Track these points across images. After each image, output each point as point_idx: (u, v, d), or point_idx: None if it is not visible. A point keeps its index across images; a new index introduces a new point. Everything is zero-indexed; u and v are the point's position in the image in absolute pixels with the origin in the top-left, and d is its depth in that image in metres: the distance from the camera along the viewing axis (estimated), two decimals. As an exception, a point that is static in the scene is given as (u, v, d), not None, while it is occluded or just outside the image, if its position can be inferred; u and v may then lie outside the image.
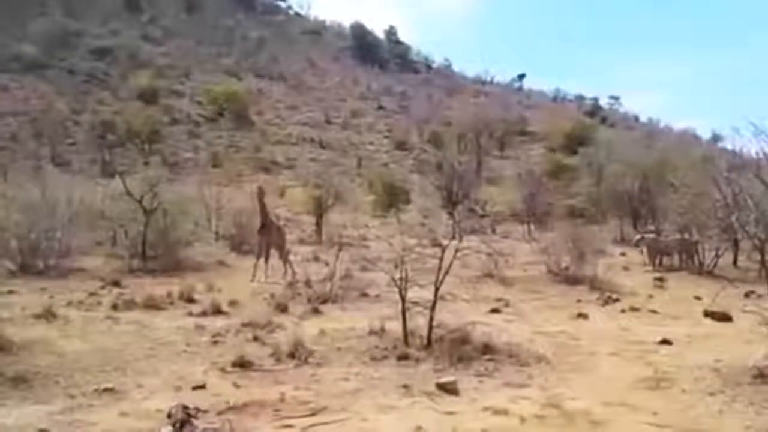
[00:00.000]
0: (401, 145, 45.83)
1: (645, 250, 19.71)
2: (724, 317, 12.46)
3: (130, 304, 12.42)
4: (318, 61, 61.52)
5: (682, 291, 15.66)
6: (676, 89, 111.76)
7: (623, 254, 21.48)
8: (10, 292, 13.42)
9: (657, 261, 19.28)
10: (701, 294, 14.71)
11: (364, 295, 13.82)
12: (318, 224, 24.31)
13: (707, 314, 12.73)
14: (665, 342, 10.57)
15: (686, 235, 19.53)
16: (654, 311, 13.29)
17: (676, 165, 25.20)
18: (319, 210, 24.60)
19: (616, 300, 14.21)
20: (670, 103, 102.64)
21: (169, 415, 6.32)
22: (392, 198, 29.46)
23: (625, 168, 26.80)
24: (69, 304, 12.39)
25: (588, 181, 31.45)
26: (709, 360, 9.39)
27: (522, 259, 18.97)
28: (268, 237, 16.34)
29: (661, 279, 16.93)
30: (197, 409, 6.74)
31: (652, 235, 20.19)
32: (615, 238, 24.48)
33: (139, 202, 17.41)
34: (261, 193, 16.83)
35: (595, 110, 62.53)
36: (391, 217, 28.56)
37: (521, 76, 73.42)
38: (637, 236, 20.54)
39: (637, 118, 66.82)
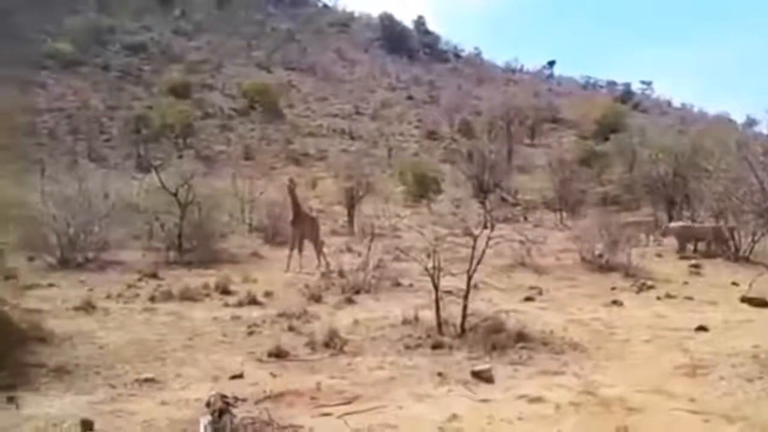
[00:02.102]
0: (431, 135, 45.75)
1: (675, 238, 19.43)
2: (762, 303, 12.29)
3: (167, 296, 12.59)
4: (347, 53, 61.57)
5: (718, 277, 15.49)
6: (710, 73, 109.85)
7: (657, 241, 21.26)
8: (51, 285, 13.66)
9: (692, 248, 19.07)
10: (738, 280, 14.54)
11: (397, 284, 13.87)
12: (350, 215, 24.40)
13: (744, 300, 12.57)
14: (702, 329, 10.47)
15: (718, 222, 19.30)
16: (690, 298, 13.14)
17: (710, 150, 24.82)
18: (351, 201, 24.67)
19: (651, 287, 14.09)
20: (704, 87, 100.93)
21: (208, 404, 6.41)
22: (423, 188, 29.48)
23: (658, 154, 26.46)
24: (108, 296, 12.58)
25: (621, 168, 31.16)
26: (746, 346, 9.29)
27: (555, 247, 18.90)
28: (302, 228, 16.46)
29: (696, 265, 16.72)
30: (235, 398, 6.83)
31: (681, 223, 19.92)
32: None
33: (174, 195, 17.61)
34: (292, 185, 16.97)
35: (626, 96, 61.70)
36: (422, 207, 28.55)
37: (551, 63, 72.79)
38: (665, 225, 20.17)
39: (669, 104, 65.94)
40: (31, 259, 15.93)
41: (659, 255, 18.75)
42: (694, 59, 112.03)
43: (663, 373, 8.35)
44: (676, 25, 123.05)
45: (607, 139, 38.11)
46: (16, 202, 12.41)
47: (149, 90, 44.87)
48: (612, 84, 67.98)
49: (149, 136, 36.65)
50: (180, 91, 43.42)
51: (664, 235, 19.60)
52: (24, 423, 6.68)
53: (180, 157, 31.13)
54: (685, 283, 14.79)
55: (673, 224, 19.94)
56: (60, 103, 40.21)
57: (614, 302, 12.66)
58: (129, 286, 13.59)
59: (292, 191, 16.82)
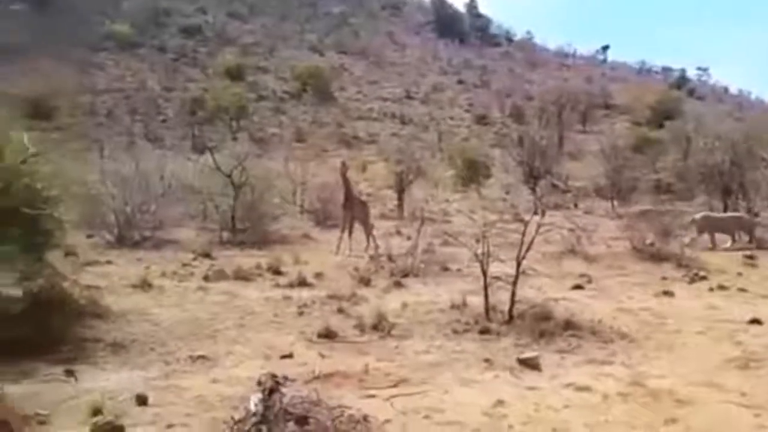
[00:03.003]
0: (482, 120, 45.32)
1: (696, 229, 18.29)
2: (819, 297, 12.04)
3: (220, 275, 12.85)
4: (399, 36, 61.34)
5: (774, 269, 15.11)
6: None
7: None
8: (108, 262, 14.03)
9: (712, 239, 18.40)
10: (794, 272, 14.22)
11: (446, 269, 13.89)
12: (400, 199, 24.42)
13: (800, 294, 12.31)
14: (755, 321, 10.28)
15: (741, 211, 18.72)
16: (743, 290, 12.82)
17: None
18: (401, 185, 24.68)
19: (704, 278, 13.80)
20: (762, 73, 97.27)
21: (259, 383, 6.56)
22: (473, 173, 29.25)
23: (714, 141, 25.85)
24: (163, 274, 12.90)
25: (675, 156, 30.51)
26: (801, 340, 9.13)
27: (605, 235, 18.61)
28: (352, 212, 16.57)
29: (751, 257, 16.28)
30: (285, 378, 6.97)
31: (703, 213, 19.24)
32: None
33: (229, 176, 17.87)
34: (344, 169, 17.08)
35: (682, 82, 60.19)
36: (472, 192, 28.44)
37: (605, 48, 71.23)
38: (688, 218, 19.20)
39: (726, 90, 64.10)
40: (89, 236, 16.35)
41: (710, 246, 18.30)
42: (753, 42, 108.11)
43: (714, 365, 8.26)
44: (733, 6, 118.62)
45: (661, 125, 37.37)
46: (77, 180, 12.74)
47: (204, 72, 45.44)
48: (667, 70, 66.35)
49: (204, 117, 37.11)
50: (234, 74, 43.80)
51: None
52: (81, 395, 6.93)
53: (234, 138, 31.51)
54: (739, 274, 14.44)
55: (697, 215, 19.14)
56: (118, 84, 40.95)
57: (665, 292, 12.47)
58: (184, 265, 13.91)
59: (344, 174, 16.94)
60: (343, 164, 17.46)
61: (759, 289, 12.87)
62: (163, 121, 37.77)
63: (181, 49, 48.16)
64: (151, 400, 6.86)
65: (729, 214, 19.21)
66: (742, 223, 18.54)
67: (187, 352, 8.41)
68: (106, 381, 7.45)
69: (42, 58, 34.03)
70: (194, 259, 14.70)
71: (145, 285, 11.70)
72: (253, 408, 6.05)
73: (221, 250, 15.96)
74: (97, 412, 6.39)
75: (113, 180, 17.10)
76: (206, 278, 12.70)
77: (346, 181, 16.88)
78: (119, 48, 45.29)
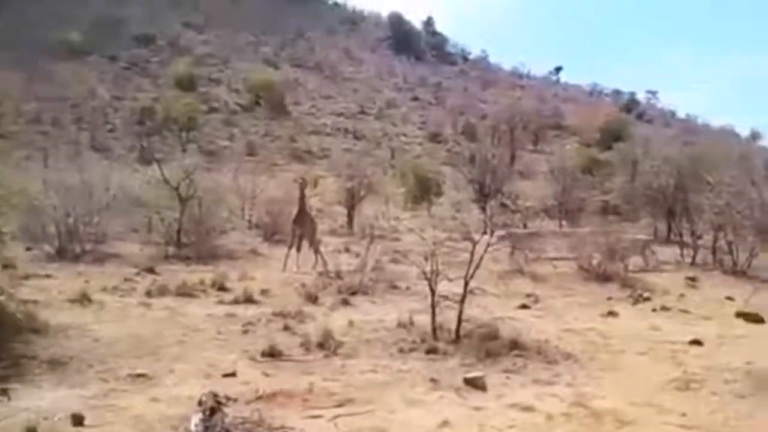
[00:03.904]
0: (435, 137, 45.55)
1: None
2: (757, 319, 12.33)
3: (163, 291, 12.61)
4: (355, 51, 61.46)
5: (715, 291, 15.42)
6: (718, 86, 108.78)
7: (653, 252, 21.11)
8: (48, 276, 13.67)
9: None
10: (734, 294, 14.49)
11: (394, 287, 13.85)
12: (350, 215, 24.38)
13: (739, 315, 12.59)
14: (696, 342, 10.49)
15: (640, 235, 19.33)
16: (685, 311, 13.13)
17: (713, 162, 24.74)
18: (351, 201, 24.65)
19: (647, 299, 14.08)
20: (711, 100, 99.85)
21: (200, 403, 6.43)
22: (424, 190, 29.33)
23: (660, 165, 26.42)
24: (104, 289, 12.61)
25: (622, 178, 31.05)
26: (740, 362, 9.31)
27: (552, 255, 18.83)
28: (302, 228, 16.47)
29: (693, 278, 16.66)
30: (227, 398, 6.86)
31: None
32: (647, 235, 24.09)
33: (176, 189, 17.62)
34: (303, 185, 17.00)
35: (631, 105, 61.54)
36: (422, 210, 28.52)
37: (558, 69, 72.51)
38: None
39: (674, 114, 65.68)
40: (28, 248, 15.95)
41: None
42: (702, 68, 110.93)
43: (655, 386, 8.38)
44: (682, 33, 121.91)
45: (610, 147, 38.07)
46: (17, 190, 12.42)
47: (155, 82, 44.81)
48: (617, 92, 67.80)
49: (153, 128, 36.52)
50: (186, 84, 43.25)
51: None
52: (15, 415, 6.71)
53: (183, 150, 31.06)
54: (682, 295, 14.72)
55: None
56: (65, 92, 40.09)
57: (610, 313, 12.68)
58: (126, 280, 13.64)
59: (302, 190, 16.84)
60: (303, 180, 17.38)
61: (700, 311, 13.17)
62: (111, 130, 37.07)
63: (132, 58, 47.43)
64: (87, 420, 6.70)
65: (630, 237, 19.63)
66: (642, 245, 18.96)
67: (127, 370, 8.22)
68: (41, 400, 7.24)
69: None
70: (137, 273, 14.40)
71: (84, 300, 11.43)
72: (193, 428, 5.95)
73: (166, 265, 15.67)
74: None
75: (56, 190, 16.67)
76: (149, 294, 12.45)
77: (302, 197, 16.78)
78: (69, 55, 44.34)
